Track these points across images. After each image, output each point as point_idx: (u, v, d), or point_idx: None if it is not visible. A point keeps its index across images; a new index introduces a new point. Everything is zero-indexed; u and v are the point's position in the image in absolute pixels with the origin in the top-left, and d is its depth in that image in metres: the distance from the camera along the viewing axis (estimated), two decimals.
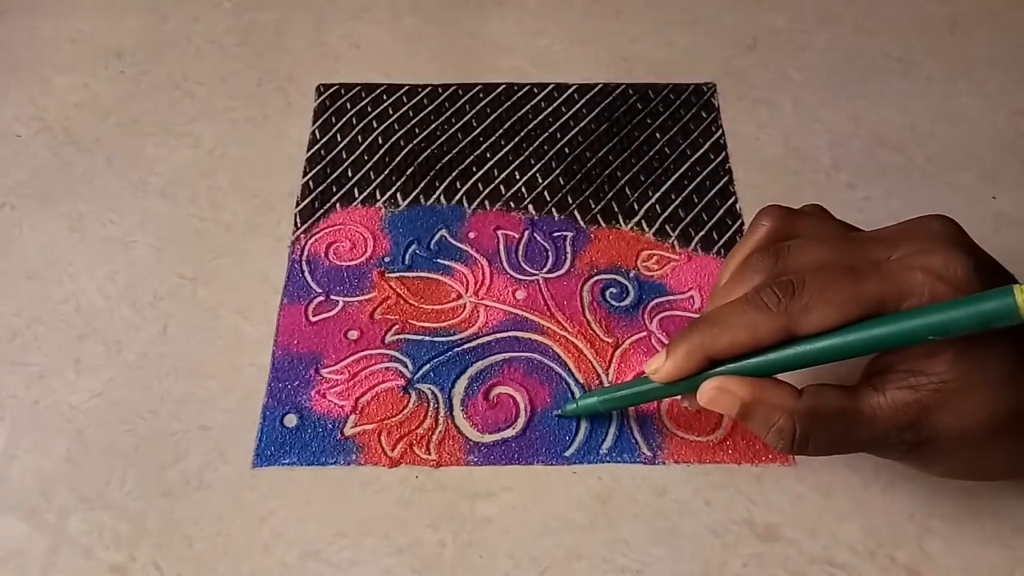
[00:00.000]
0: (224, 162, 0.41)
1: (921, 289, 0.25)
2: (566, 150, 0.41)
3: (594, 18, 0.47)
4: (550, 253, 0.37)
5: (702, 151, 0.41)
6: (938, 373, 0.25)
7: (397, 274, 0.37)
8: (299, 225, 0.38)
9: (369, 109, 0.43)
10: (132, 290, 0.36)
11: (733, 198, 0.39)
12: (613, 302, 0.36)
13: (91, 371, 0.34)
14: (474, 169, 0.40)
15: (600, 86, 0.43)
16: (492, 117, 0.42)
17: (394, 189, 0.39)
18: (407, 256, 0.37)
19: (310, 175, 0.40)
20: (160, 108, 0.43)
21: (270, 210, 0.39)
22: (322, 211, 0.39)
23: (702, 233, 0.38)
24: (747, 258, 0.28)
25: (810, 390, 0.26)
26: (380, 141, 0.41)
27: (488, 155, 0.41)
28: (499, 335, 0.35)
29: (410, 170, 0.40)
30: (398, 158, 0.41)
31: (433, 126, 0.42)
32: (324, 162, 0.41)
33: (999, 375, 0.25)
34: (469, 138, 0.41)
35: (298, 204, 0.39)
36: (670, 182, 0.40)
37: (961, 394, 0.25)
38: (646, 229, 0.38)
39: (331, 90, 0.43)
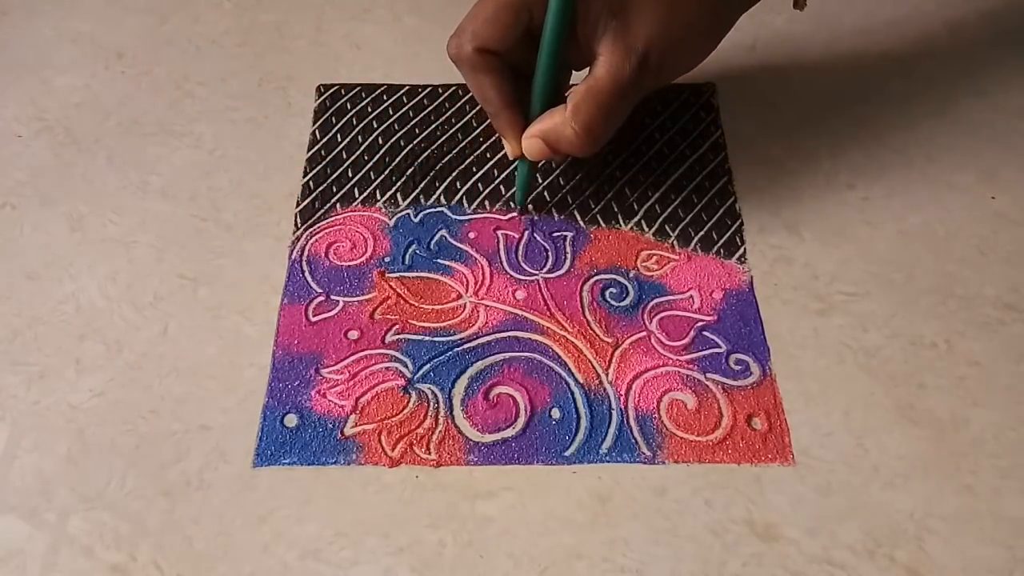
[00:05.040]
0: (224, 162, 0.41)
1: None
2: None
3: None
4: (550, 253, 0.37)
5: (701, 151, 0.41)
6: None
7: (397, 274, 0.37)
8: (299, 225, 0.38)
9: (369, 109, 0.43)
10: (132, 290, 0.36)
11: (732, 198, 0.39)
12: (613, 302, 0.36)
13: (91, 371, 0.34)
14: (474, 169, 0.40)
15: None
16: None
17: (394, 189, 0.40)
18: (407, 256, 0.37)
19: (310, 175, 0.40)
20: (160, 108, 0.43)
21: (270, 210, 0.39)
22: (322, 211, 0.39)
23: (702, 233, 0.38)
24: None
25: (569, 100, 0.33)
26: (380, 141, 0.41)
27: (488, 155, 0.41)
28: (499, 335, 0.35)
29: (410, 170, 0.40)
30: (398, 158, 0.41)
31: (433, 126, 0.42)
32: (324, 162, 0.41)
33: None
34: (469, 138, 0.41)
35: (298, 204, 0.39)
36: (670, 182, 0.40)
37: None
38: (646, 229, 0.38)
39: (331, 90, 0.43)
